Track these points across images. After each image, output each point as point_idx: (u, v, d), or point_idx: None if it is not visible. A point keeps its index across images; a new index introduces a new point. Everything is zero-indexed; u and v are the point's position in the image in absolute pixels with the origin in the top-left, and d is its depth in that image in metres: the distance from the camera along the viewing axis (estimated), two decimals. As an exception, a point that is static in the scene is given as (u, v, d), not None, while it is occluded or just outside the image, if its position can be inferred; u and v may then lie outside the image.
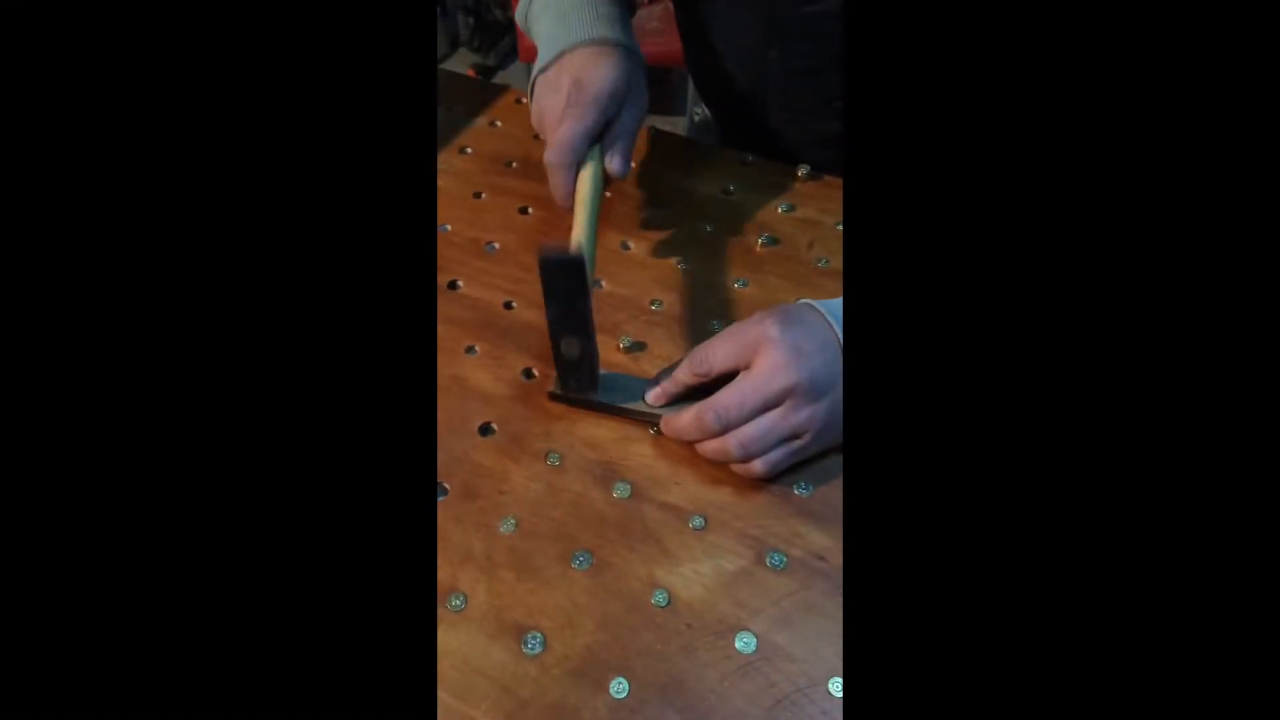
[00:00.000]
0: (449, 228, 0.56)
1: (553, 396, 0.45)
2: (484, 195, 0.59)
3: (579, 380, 0.44)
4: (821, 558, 0.38)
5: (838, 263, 0.52)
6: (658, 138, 0.63)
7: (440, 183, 0.60)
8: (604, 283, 0.52)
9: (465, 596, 0.38)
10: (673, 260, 0.54)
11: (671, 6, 0.67)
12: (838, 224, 0.55)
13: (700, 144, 0.68)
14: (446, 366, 0.47)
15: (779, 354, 0.39)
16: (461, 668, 0.35)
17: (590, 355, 0.42)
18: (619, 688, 0.34)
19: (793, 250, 0.53)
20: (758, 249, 0.54)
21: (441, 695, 0.34)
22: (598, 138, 0.50)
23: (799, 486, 0.41)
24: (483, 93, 0.70)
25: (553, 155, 0.48)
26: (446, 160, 0.62)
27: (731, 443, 0.39)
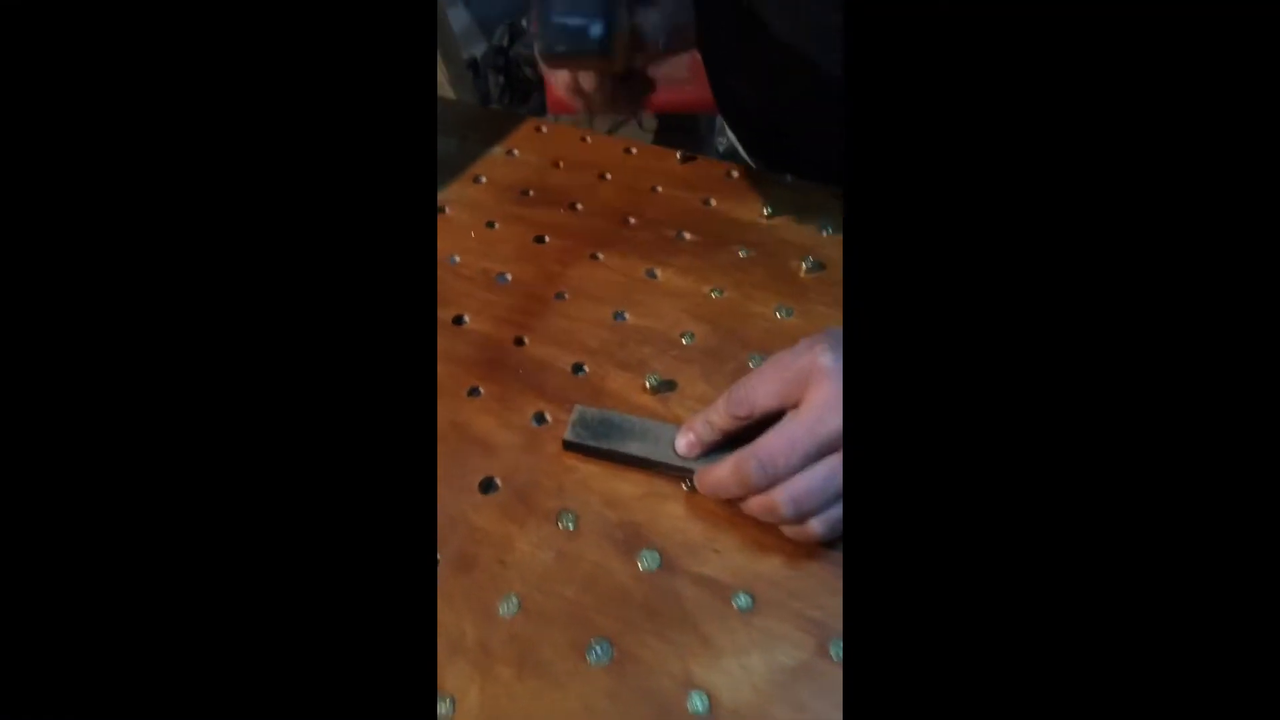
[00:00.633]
0: (458, 259, 0.51)
1: (568, 445, 0.38)
2: (497, 225, 0.54)
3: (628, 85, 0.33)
4: (903, 649, 0.30)
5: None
6: (684, 161, 0.58)
7: (451, 212, 0.55)
8: (628, 314, 0.46)
9: (453, 701, 0.30)
10: (705, 289, 0.47)
11: (699, 55, 0.62)
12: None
13: (730, 167, 0.62)
14: (445, 412, 0.41)
15: (834, 387, 0.32)
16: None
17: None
18: (646, 827, 0.26)
19: (841, 276, 0.47)
20: (802, 275, 0.47)
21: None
22: None
23: (868, 555, 0.33)
24: (501, 121, 0.66)
25: None
26: (460, 190, 0.57)
27: (781, 498, 0.32)
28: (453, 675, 0.31)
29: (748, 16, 0.54)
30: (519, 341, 0.45)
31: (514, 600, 0.33)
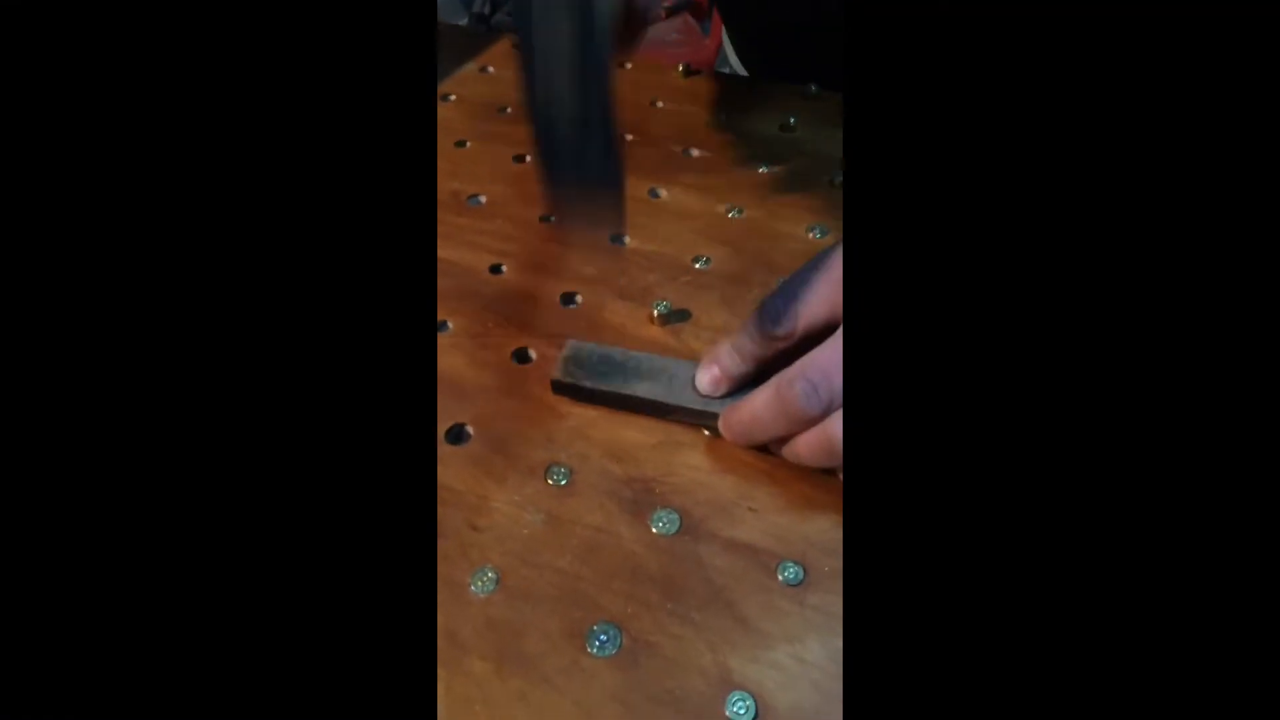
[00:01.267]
0: (422, 182, 0.43)
1: (558, 388, 0.31)
2: (469, 144, 0.46)
3: (581, 167, 0.24)
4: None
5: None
6: (687, 75, 0.50)
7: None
8: (627, 239, 0.38)
9: (406, 708, 0.22)
10: (720, 208, 0.39)
11: (690, 19, 0.54)
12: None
13: (746, 79, 0.55)
14: (405, 349, 0.33)
15: None
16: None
17: (598, 114, 0.23)
18: None
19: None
20: (835, 188, 0.40)
21: None
22: None
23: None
24: (473, 39, 0.57)
25: None
26: (424, 111, 0.49)
27: (838, 431, 0.24)
28: (408, 675, 0.23)
29: None
30: (495, 269, 0.37)
31: (490, 575, 0.25)
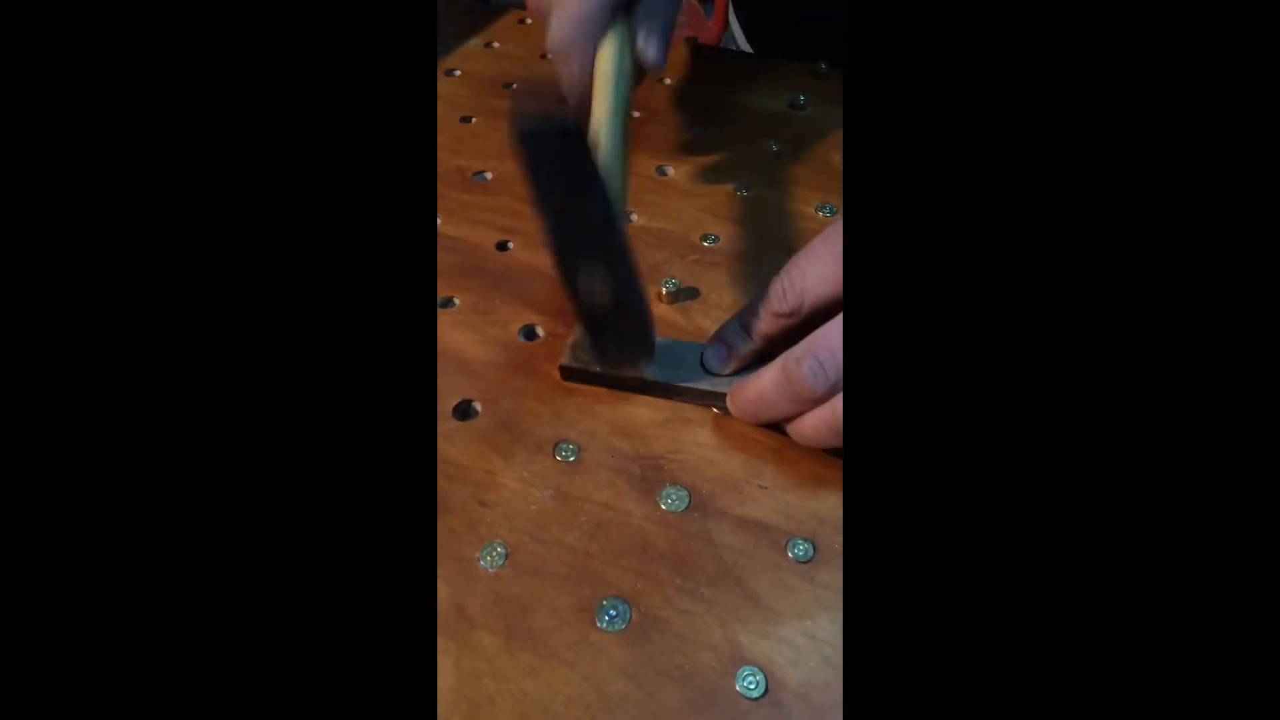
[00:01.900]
0: (427, 158, 0.43)
1: (566, 373, 0.30)
2: (475, 120, 0.45)
3: (619, 344, 0.28)
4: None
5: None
6: (697, 54, 0.49)
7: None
8: (635, 215, 0.38)
9: (416, 680, 0.22)
10: (729, 186, 0.39)
11: (695, 2, 0.54)
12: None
13: (755, 56, 0.54)
14: (411, 325, 0.33)
15: None
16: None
17: (631, 297, 0.26)
18: None
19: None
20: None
21: None
22: (623, 10, 0.36)
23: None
24: (479, 15, 0.56)
25: (560, 29, 0.33)
26: (428, 86, 0.48)
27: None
28: (417, 649, 0.23)
29: None
30: (502, 246, 0.37)
31: (499, 550, 0.25)
